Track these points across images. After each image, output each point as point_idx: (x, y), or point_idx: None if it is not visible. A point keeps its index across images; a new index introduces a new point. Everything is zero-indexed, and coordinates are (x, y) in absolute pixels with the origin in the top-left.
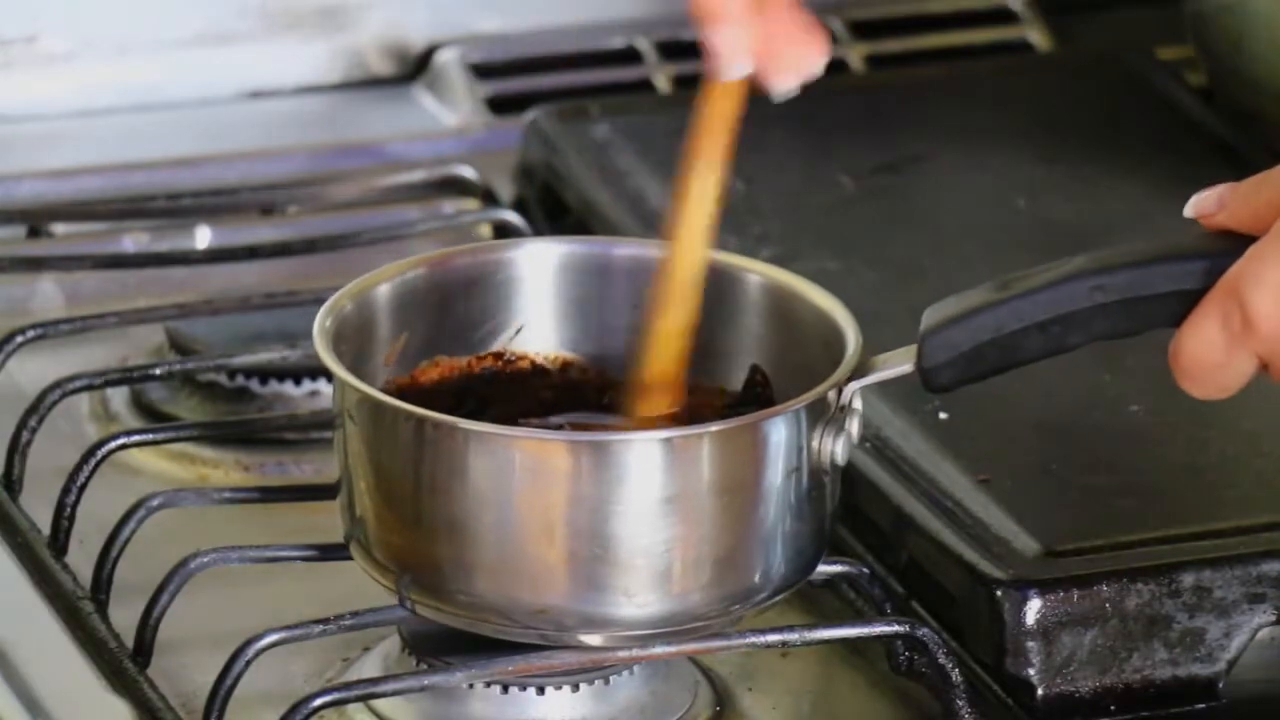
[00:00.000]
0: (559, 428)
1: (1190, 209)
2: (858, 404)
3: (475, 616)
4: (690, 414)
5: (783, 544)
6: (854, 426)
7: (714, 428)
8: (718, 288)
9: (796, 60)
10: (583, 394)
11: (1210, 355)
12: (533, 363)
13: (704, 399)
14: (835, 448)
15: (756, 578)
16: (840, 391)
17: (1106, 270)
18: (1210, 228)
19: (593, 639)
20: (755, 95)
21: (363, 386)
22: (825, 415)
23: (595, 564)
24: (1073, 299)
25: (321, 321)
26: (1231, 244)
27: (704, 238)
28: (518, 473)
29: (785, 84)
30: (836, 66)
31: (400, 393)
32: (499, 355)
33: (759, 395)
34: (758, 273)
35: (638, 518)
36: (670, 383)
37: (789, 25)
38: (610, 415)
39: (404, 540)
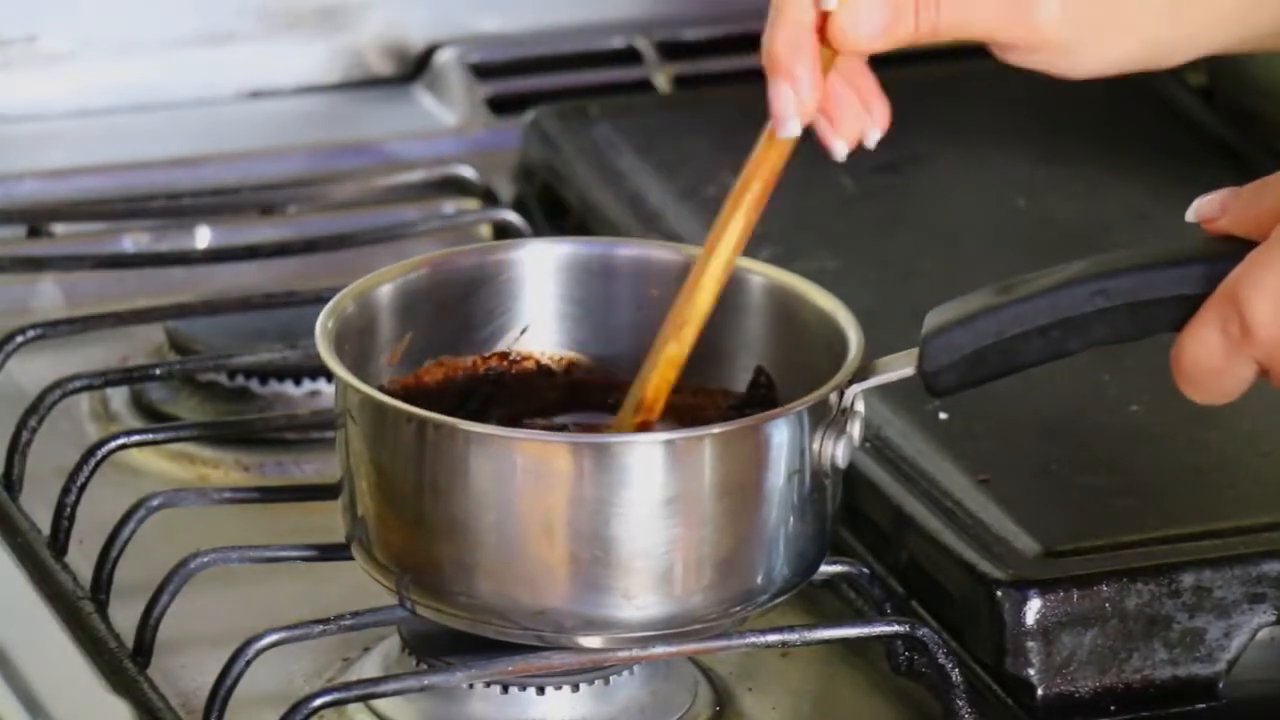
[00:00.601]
0: (564, 428)
1: (1192, 213)
2: (859, 406)
3: (475, 618)
4: (693, 416)
5: (784, 546)
6: (855, 429)
7: (716, 430)
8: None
9: (854, 126)
10: (588, 395)
11: (1210, 361)
12: (538, 363)
13: (707, 400)
14: (836, 450)
15: (757, 580)
16: (842, 394)
17: (1108, 274)
18: (1212, 232)
19: (592, 641)
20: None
21: (364, 387)
22: (827, 418)
23: (596, 566)
24: (1074, 303)
25: (324, 322)
26: (1233, 249)
27: (722, 277)
28: (519, 474)
29: (839, 148)
30: None
31: (404, 393)
32: (504, 356)
33: (763, 397)
34: (761, 274)
35: (639, 519)
36: (652, 405)
37: (856, 89)
38: (615, 416)
39: (405, 541)
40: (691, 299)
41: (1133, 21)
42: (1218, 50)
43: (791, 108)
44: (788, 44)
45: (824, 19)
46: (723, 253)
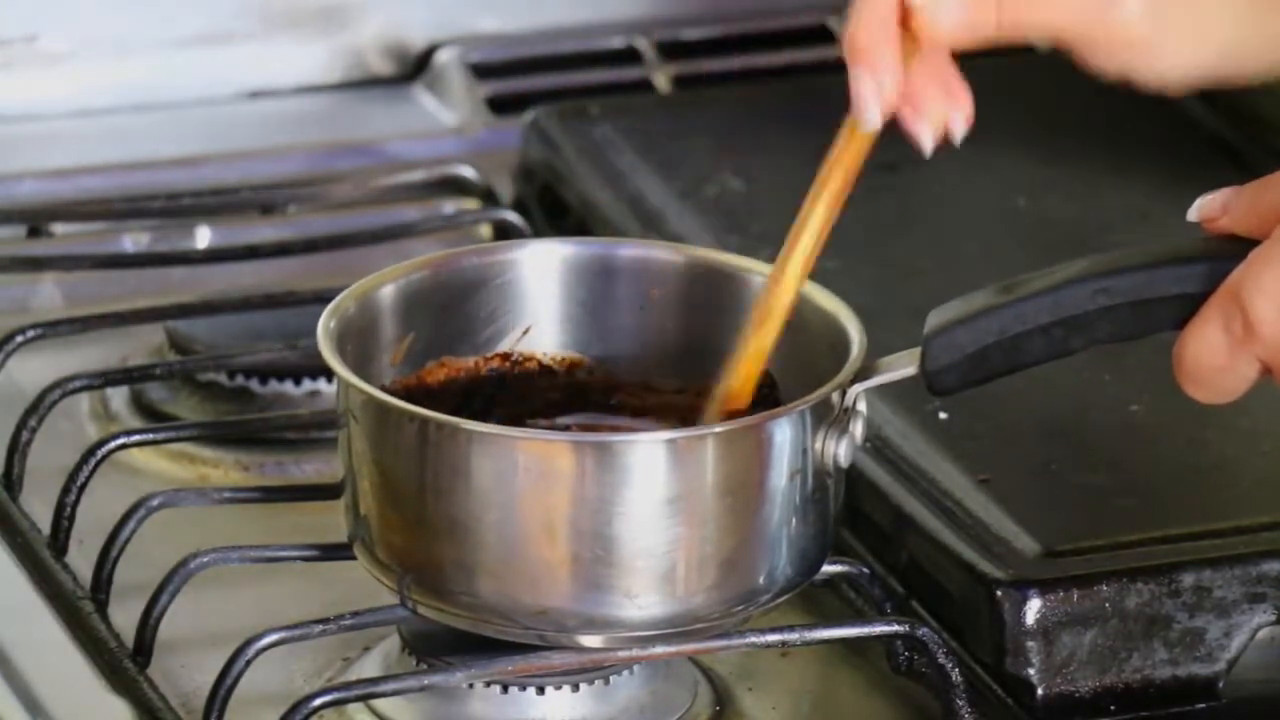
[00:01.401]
0: (566, 429)
1: (1194, 213)
2: (862, 406)
3: (477, 617)
4: (697, 415)
5: (786, 546)
6: (858, 429)
7: (718, 429)
8: (723, 289)
9: (937, 116)
10: (590, 395)
11: (1213, 360)
12: (540, 364)
13: (710, 401)
14: (839, 450)
15: (759, 580)
16: (844, 394)
17: (1110, 273)
18: (1213, 231)
19: (594, 641)
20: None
21: (366, 387)
22: (829, 417)
23: (598, 565)
24: (1076, 302)
25: (325, 323)
26: (1235, 248)
27: (806, 267)
28: (520, 474)
29: (924, 138)
30: (837, 66)
31: (406, 393)
32: (506, 356)
33: (766, 397)
34: (762, 274)
35: (641, 519)
36: (739, 395)
37: (938, 78)
38: (617, 416)
39: (406, 540)
40: (774, 292)
41: (1215, 22)
42: None
43: (874, 97)
44: (870, 33)
45: (907, 11)
46: (804, 246)
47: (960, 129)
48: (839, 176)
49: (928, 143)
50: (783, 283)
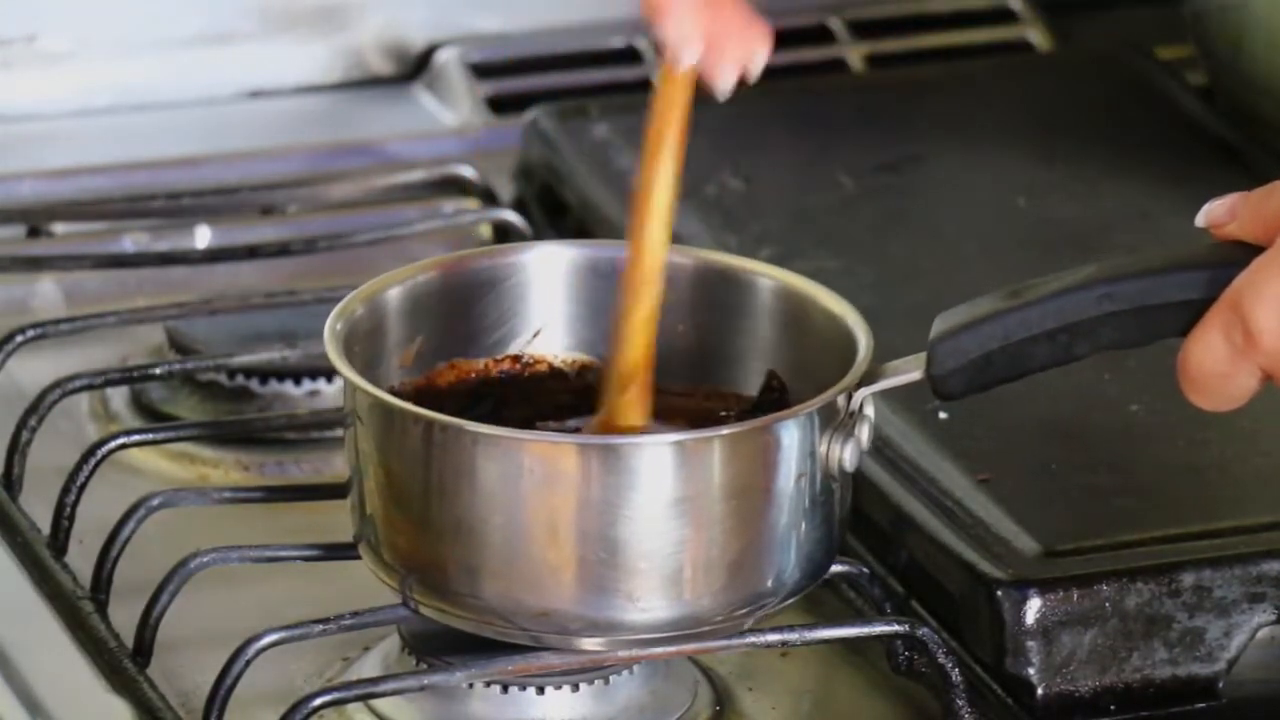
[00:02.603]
0: (576, 431)
1: (1202, 218)
2: (869, 410)
3: (480, 619)
4: (706, 418)
5: (792, 549)
6: (864, 433)
7: (724, 431)
8: (730, 292)
9: (739, 53)
10: (600, 397)
11: (1215, 367)
12: (550, 366)
13: (719, 404)
14: (844, 453)
15: (766, 583)
16: (850, 397)
17: (1114, 279)
18: (1221, 238)
19: (596, 645)
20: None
21: (372, 389)
22: (835, 421)
23: (602, 568)
24: (1081, 308)
25: (332, 324)
26: (1240, 254)
27: (666, 224)
28: (525, 476)
29: (728, 77)
30: (836, 66)
31: (416, 395)
32: (516, 358)
33: (776, 401)
34: (771, 277)
35: (646, 521)
36: (643, 371)
37: (733, 19)
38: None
39: (411, 541)
40: (641, 260)
41: None
42: None
43: (686, 34)
44: None
45: None
46: (660, 206)
47: (760, 63)
48: (676, 126)
49: (728, 81)
50: (649, 251)
